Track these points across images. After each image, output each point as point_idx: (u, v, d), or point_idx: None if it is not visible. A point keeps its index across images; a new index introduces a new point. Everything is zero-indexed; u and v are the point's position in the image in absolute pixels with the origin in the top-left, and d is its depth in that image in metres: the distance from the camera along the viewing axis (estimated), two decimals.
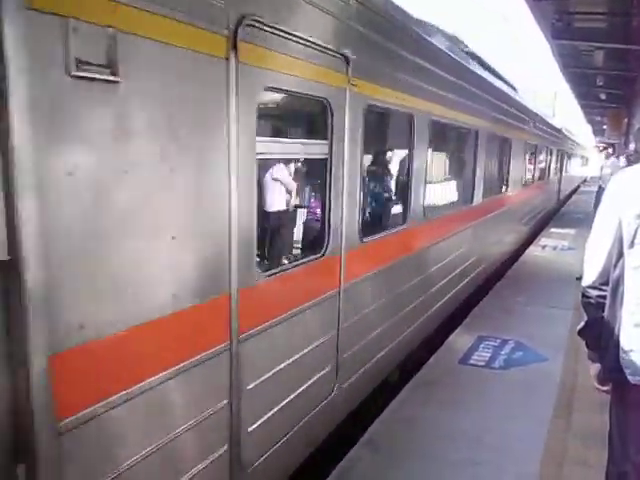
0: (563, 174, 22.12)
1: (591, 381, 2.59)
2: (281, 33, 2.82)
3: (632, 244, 2.21)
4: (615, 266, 2.27)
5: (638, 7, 10.23)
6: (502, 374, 5.36)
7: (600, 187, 9.46)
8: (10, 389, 1.77)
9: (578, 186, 33.52)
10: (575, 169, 31.14)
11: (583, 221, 14.05)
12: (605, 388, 2.49)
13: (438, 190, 6.76)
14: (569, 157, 25.97)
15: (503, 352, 5.85)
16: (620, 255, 2.25)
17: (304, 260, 3.66)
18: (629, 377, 2.22)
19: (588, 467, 3.70)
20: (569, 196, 26.63)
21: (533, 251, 11.88)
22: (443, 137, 7.21)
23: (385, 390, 4.92)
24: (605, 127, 26.82)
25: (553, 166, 17.94)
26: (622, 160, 10.75)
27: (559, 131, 19.15)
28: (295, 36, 2.94)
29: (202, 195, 2.43)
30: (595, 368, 2.50)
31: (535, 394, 4.90)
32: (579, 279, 8.07)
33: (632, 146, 9.53)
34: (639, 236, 2.20)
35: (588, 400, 4.56)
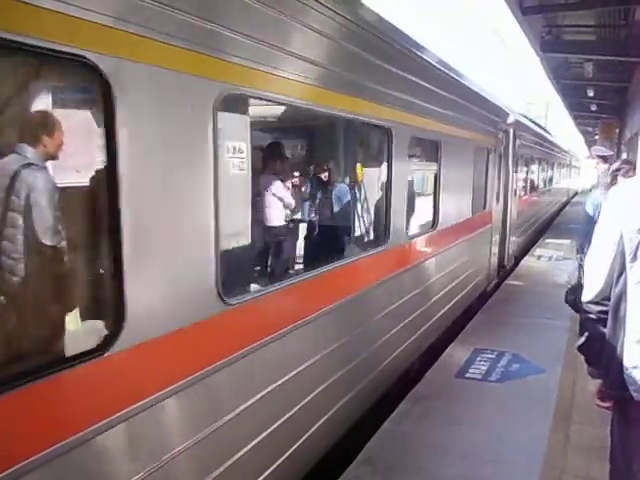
0: (522, 200, 12.58)
1: (590, 396, 2.55)
2: None
3: (634, 259, 2.16)
4: (617, 281, 2.21)
5: (626, 19, 10.36)
6: (499, 387, 5.31)
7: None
8: None
9: (566, 202, 27.93)
10: (561, 182, 24.50)
11: (578, 231, 14.03)
12: (606, 404, 2.44)
13: None
14: (545, 166, 17.64)
15: (500, 365, 5.81)
16: (622, 270, 2.20)
17: None
18: (634, 394, 2.17)
19: None
20: (540, 232, 16.32)
21: (528, 262, 11.87)
22: None
23: (382, 405, 4.86)
24: (597, 137, 27.01)
25: (490, 186, 8.70)
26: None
27: (513, 119, 10.22)
28: None
29: None
30: (595, 384, 2.45)
31: (533, 407, 4.85)
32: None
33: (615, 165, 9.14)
34: None
35: (587, 412, 4.50)
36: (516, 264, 11.38)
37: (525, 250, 12.99)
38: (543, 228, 17.27)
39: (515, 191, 11.07)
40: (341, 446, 4.08)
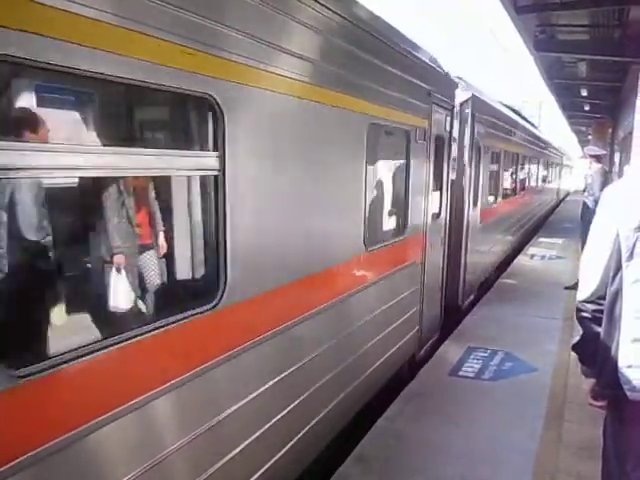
0: (490, 210, 9.40)
1: (583, 395, 2.55)
2: None
3: (630, 257, 2.15)
4: (612, 280, 2.20)
5: (620, 19, 10.39)
6: (492, 385, 5.32)
7: (585, 204, 9.23)
8: None
9: (557, 205, 26.50)
10: (550, 182, 22.80)
11: (571, 230, 14.08)
12: (600, 403, 2.42)
13: None
14: (528, 163, 14.75)
15: (493, 363, 5.82)
16: (618, 268, 2.18)
17: None
18: (628, 393, 2.16)
19: (581, 479, 3.66)
20: (523, 241, 13.98)
21: (521, 260, 11.91)
22: None
23: (375, 403, 4.85)
24: (590, 137, 27.09)
25: (416, 193, 5.31)
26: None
27: (467, 94, 7.24)
28: None
29: None
30: (589, 383, 2.44)
31: (525, 405, 4.86)
32: (568, 288, 7.98)
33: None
34: (638, 249, 2.14)
35: (579, 411, 4.52)
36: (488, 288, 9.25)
37: (500, 269, 10.67)
38: (529, 235, 15.11)
39: (476, 198, 8.06)
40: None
